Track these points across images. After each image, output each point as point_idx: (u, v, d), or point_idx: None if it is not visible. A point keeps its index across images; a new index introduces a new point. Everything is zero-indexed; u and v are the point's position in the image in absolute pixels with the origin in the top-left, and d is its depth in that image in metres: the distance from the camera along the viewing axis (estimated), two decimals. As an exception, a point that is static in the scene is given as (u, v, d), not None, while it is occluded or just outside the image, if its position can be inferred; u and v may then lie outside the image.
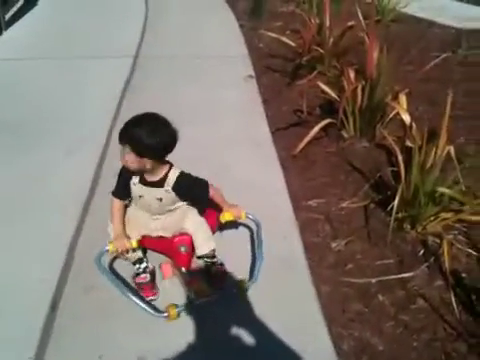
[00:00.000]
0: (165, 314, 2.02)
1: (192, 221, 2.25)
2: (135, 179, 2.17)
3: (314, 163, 3.31)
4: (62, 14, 6.62)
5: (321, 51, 4.41)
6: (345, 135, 3.54)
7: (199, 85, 4.42)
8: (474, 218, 2.49)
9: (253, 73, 4.73)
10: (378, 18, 5.88)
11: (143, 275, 2.23)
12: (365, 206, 2.84)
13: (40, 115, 3.74)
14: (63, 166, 3.05)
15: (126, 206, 2.30)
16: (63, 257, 2.33)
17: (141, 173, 2.14)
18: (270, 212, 2.71)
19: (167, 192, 2.15)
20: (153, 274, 2.28)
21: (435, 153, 2.57)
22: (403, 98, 3.19)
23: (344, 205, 2.88)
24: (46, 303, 2.08)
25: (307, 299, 2.23)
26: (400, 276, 2.36)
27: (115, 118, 3.73)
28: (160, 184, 2.14)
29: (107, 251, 2.18)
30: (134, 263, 2.25)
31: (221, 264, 2.30)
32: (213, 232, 2.32)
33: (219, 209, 2.32)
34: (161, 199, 2.17)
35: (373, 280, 2.35)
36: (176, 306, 2.05)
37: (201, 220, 2.28)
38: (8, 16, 5.93)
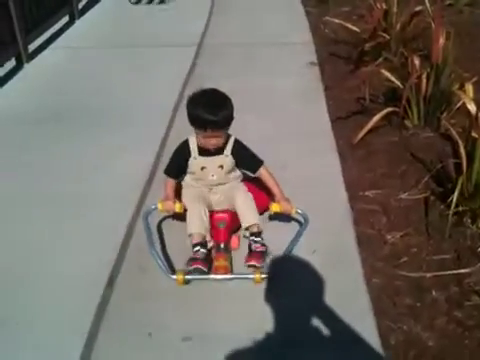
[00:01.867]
0: (174, 276, 2.16)
1: (241, 197, 2.39)
2: (195, 153, 2.37)
3: (374, 153, 3.24)
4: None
5: (387, 37, 4.29)
6: (408, 125, 3.44)
7: (261, 72, 4.44)
8: None
9: (316, 60, 4.67)
10: (450, 2, 5.63)
11: (200, 253, 2.27)
12: (425, 198, 2.77)
13: (109, 102, 3.90)
14: (128, 152, 3.17)
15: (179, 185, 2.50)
16: (121, 239, 2.44)
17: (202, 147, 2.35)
18: (325, 202, 2.72)
19: (227, 157, 2.38)
20: (208, 254, 2.34)
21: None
22: (470, 87, 3.06)
23: (403, 197, 2.81)
24: (104, 281, 2.20)
25: (357, 291, 2.22)
26: (456, 272, 2.29)
27: (178, 103, 3.83)
28: (220, 152, 2.37)
29: (155, 209, 2.42)
30: (194, 246, 2.29)
31: (263, 244, 2.34)
32: (260, 214, 2.42)
33: (268, 194, 2.46)
34: (222, 166, 2.39)
35: (428, 275, 2.30)
36: (185, 273, 2.17)
37: (249, 196, 2.41)
38: (81, 5, 6.17)
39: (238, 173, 2.52)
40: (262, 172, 2.44)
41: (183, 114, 2.43)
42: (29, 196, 2.79)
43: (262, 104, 3.86)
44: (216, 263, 2.24)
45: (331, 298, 2.15)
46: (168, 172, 2.47)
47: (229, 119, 2.28)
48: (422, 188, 2.83)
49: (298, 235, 2.34)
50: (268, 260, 2.33)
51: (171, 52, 4.86)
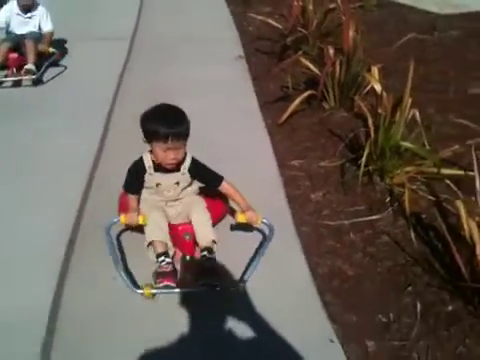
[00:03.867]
0: (141, 291, 2.16)
1: (197, 213, 2.38)
2: (150, 169, 2.33)
3: (297, 130, 3.69)
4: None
5: (305, 32, 4.78)
6: (326, 106, 3.92)
7: (192, 65, 4.78)
8: (432, 170, 2.88)
9: (243, 54, 5.09)
10: (361, 4, 6.26)
11: (165, 266, 2.25)
12: (341, 164, 3.22)
13: (44, 92, 4.11)
14: (67, 136, 3.41)
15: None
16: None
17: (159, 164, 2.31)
18: (258, 171, 3.12)
19: (183, 175, 2.36)
20: (174, 265, 2.32)
21: (400, 114, 2.95)
22: (375, 70, 3.55)
23: (322, 164, 3.26)
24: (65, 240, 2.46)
25: (289, 237, 2.61)
26: (369, 218, 2.75)
27: (116, 94, 4.11)
28: (177, 169, 2.34)
29: (117, 222, 2.34)
30: (158, 256, 2.28)
31: (214, 260, 2.33)
32: (214, 224, 2.45)
33: (222, 201, 2.51)
34: (178, 183, 2.36)
35: (346, 222, 2.74)
36: (152, 287, 2.18)
37: (205, 213, 2.39)
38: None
39: (195, 187, 2.49)
40: (225, 186, 2.41)
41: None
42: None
43: (196, 92, 4.19)
44: (181, 276, 2.28)
45: (270, 248, 2.39)
46: (127, 188, 2.41)
47: (188, 131, 2.26)
48: (338, 156, 3.30)
49: (264, 247, 2.36)
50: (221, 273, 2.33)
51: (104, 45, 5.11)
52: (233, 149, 3.30)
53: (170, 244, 2.32)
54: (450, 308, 2.18)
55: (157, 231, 2.30)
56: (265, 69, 4.74)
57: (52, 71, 4.53)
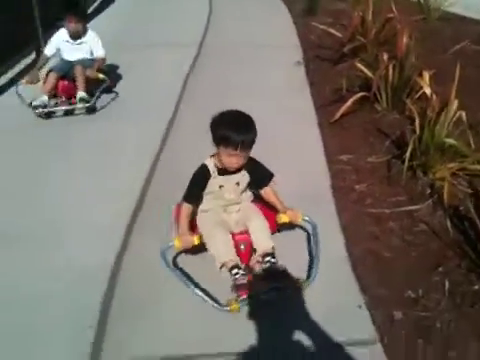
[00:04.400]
0: (227, 308, 2.18)
1: (255, 221, 2.42)
2: (214, 173, 2.39)
3: (348, 129, 3.89)
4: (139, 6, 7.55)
5: (363, 40, 4.98)
6: (378, 108, 4.10)
7: (254, 69, 5.11)
8: (474, 167, 3.00)
9: (302, 60, 5.35)
10: (423, 16, 6.38)
11: (241, 278, 2.26)
12: (387, 160, 3.40)
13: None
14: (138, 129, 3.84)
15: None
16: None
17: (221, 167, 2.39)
18: (308, 163, 3.38)
19: (243, 175, 2.44)
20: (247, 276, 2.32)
21: (446, 114, 3.11)
22: (426, 75, 3.71)
23: (370, 160, 3.45)
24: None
25: (331, 223, 2.83)
26: (408, 208, 2.92)
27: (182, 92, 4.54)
28: (237, 170, 2.41)
29: (172, 246, 2.36)
30: (231, 269, 2.28)
31: (277, 263, 2.35)
32: (272, 233, 2.47)
33: (275, 211, 2.49)
34: (238, 183, 2.43)
35: (387, 211, 2.92)
36: (236, 301, 2.20)
37: (263, 220, 2.44)
38: (91, 9, 6.85)
39: (249, 193, 2.55)
40: (271, 185, 2.51)
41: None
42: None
43: (256, 93, 4.49)
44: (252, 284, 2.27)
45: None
46: (188, 197, 2.42)
47: (255, 138, 2.32)
48: (385, 152, 3.48)
49: (316, 242, 2.43)
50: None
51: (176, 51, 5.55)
52: (286, 145, 3.58)
53: (239, 259, 2.33)
54: (476, 287, 2.33)
55: (226, 251, 2.31)
56: (323, 74, 4.98)
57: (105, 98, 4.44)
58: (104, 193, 3.07)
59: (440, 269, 2.45)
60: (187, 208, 2.41)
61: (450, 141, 3.03)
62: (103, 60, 4.45)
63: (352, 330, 2.15)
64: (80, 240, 2.68)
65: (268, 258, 2.32)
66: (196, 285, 2.31)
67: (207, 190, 2.43)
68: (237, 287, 2.24)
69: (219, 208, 2.46)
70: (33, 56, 5.39)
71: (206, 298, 2.22)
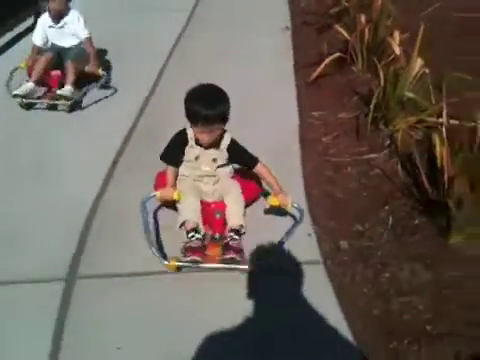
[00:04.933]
0: (166, 262, 2.27)
1: (231, 196, 2.48)
2: (192, 141, 2.44)
3: (324, 89, 4.09)
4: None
5: (346, 4, 5.14)
6: (354, 70, 4.29)
7: (242, 34, 5.29)
8: (431, 119, 3.21)
9: (290, 25, 5.53)
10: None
11: (195, 242, 2.33)
12: (356, 116, 3.61)
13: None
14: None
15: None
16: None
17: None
18: (281, 118, 3.61)
19: (221, 152, 2.47)
20: (203, 243, 2.38)
21: (408, 70, 3.31)
22: (397, 34, 3.89)
23: (340, 115, 3.66)
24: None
25: (294, 171, 3.08)
26: (367, 157, 3.15)
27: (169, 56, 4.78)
28: (216, 146, 2.46)
29: (154, 196, 2.49)
30: (188, 232, 2.36)
31: (240, 243, 2.38)
32: (247, 203, 2.54)
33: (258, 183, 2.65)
34: (215, 160, 2.48)
35: (347, 159, 3.16)
36: (178, 260, 2.28)
37: (239, 198, 2.49)
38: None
39: (229, 168, 2.57)
40: (259, 168, 2.52)
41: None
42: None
43: (241, 56, 4.69)
44: (210, 252, 2.34)
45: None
46: (164, 157, 2.51)
47: (223, 116, 2.32)
48: (354, 108, 3.69)
49: (293, 227, 2.46)
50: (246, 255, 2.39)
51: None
52: (262, 102, 3.81)
53: (201, 226, 2.39)
54: (417, 221, 2.57)
55: (190, 212, 2.39)
56: (307, 39, 5.16)
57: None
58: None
59: (387, 207, 2.70)
60: (170, 168, 2.53)
61: (409, 95, 3.23)
62: (89, 40, 4.05)
63: (300, 254, 2.41)
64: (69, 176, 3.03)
65: (232, 234, 2.38)
66: (155, 235, 2.50)
67: (186, 157, 2.49)
68: (186, 249, 2.31)
69: (196, 177, 2.54)
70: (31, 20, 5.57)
71: (152, 248, 2.30)
